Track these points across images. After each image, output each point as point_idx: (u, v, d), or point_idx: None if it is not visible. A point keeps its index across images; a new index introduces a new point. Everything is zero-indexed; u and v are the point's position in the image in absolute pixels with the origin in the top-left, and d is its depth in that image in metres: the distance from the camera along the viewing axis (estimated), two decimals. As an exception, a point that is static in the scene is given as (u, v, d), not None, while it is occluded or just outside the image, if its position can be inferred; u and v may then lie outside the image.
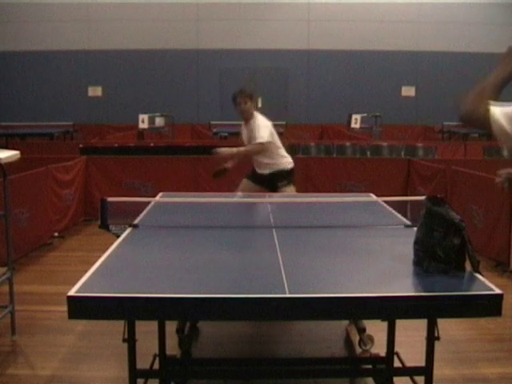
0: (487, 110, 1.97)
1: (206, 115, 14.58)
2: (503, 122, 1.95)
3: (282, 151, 5.23)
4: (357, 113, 13.05)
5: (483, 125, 2.00)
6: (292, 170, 5.23)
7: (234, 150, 5.05)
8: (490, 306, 2.17)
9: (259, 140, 4.94)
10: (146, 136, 12.47)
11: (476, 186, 6.02)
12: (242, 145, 5.21)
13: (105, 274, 2.50)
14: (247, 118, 5.13)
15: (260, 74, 15.35)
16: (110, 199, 3.59)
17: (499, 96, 2.02)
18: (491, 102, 1.98)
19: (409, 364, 3.09)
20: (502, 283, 2.14)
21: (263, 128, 4.98)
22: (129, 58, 15.26)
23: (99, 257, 2.69)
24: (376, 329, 3.50)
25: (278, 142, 5.22)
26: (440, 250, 2.39)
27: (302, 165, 7.34)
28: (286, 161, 5.22)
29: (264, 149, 4.99)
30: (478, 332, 4.01)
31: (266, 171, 5.16)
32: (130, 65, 15.35)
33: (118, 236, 3.21)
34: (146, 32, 15.17)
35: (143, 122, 12.04)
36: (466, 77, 15.36)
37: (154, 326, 2.98)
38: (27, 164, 5.86)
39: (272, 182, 5.13)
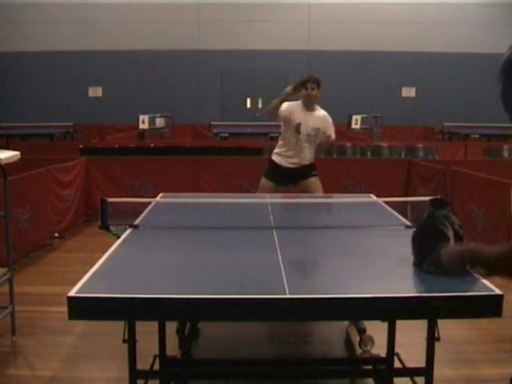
0: None
1: (206, 116, 14.58)
2: None
3: None
4: (357, 113, 13.07)
5: None
6: None
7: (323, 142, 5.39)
8: (490, 307, 2.17)
9: (334, 136, 5.40)
10: (147, 136, 12.49)
11: (476, 187, 6.01)
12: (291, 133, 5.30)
13: (105, 275, 2.49)
14: (311, 105, 5.30)
15: (260, 74, 15.36)
16: (110, 200, 3.59)
17: None
18: None
19: (409, 365, 3.08)
20: (503, 284, 2.13)
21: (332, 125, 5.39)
22: (129, 58, 15.27)
23: (99, 257, 2.68)
24: (376, 329, 3.49)
25: None
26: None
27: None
28: None
29: None
30: (479, 333, 4.01)
31: (306, 162, 5.40)
32: (130, 65, 15.36)
33: (119, 237, 3.21)
34: (146, 32, 15.18)
35: (143, 122, 12.07)
36: (466, 77, 15.42)
37: (154, 326, 2.97)
38: (27, 164, 5.86)
39: (305, 172, 5.40)
